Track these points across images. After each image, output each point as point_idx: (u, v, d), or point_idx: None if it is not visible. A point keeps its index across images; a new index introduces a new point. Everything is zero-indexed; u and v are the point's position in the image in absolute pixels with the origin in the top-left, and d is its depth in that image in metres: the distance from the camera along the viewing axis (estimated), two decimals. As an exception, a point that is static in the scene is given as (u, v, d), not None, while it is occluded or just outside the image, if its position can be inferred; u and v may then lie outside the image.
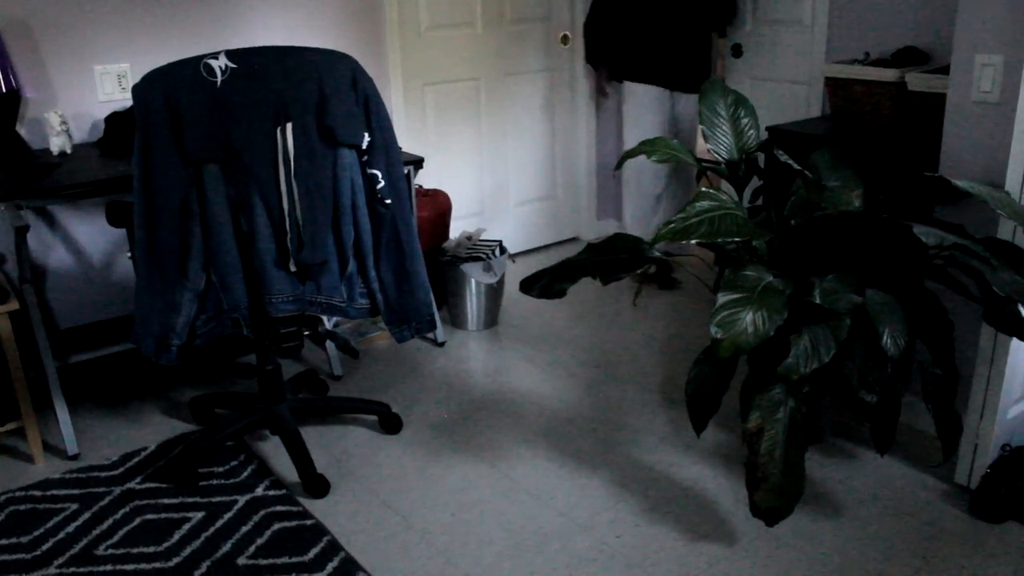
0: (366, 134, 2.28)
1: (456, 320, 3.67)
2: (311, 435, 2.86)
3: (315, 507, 2.50)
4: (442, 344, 3.53)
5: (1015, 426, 2.49)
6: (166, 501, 2.53)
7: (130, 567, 2.26)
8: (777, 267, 2.26)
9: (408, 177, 2.98)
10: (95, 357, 2.91)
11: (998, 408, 2.39)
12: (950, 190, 2.22)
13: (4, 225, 2.82)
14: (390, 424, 2.88)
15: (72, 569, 2.26)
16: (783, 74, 3.78)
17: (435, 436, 2.85)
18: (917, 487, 2.50)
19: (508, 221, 4.42)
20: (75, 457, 2.76)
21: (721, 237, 2.11)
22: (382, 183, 2.33)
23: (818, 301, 2.12)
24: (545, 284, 2.47)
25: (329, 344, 3.25)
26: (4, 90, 2.81)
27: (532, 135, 4.38)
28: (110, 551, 2.32)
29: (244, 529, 2.40)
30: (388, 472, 2.66)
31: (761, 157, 2.59)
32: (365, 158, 2.31)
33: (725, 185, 3.36)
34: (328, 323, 3.36)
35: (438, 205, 3.73)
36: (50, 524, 2.44)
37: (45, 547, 2.34)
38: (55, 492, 2.58)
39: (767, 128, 3.18)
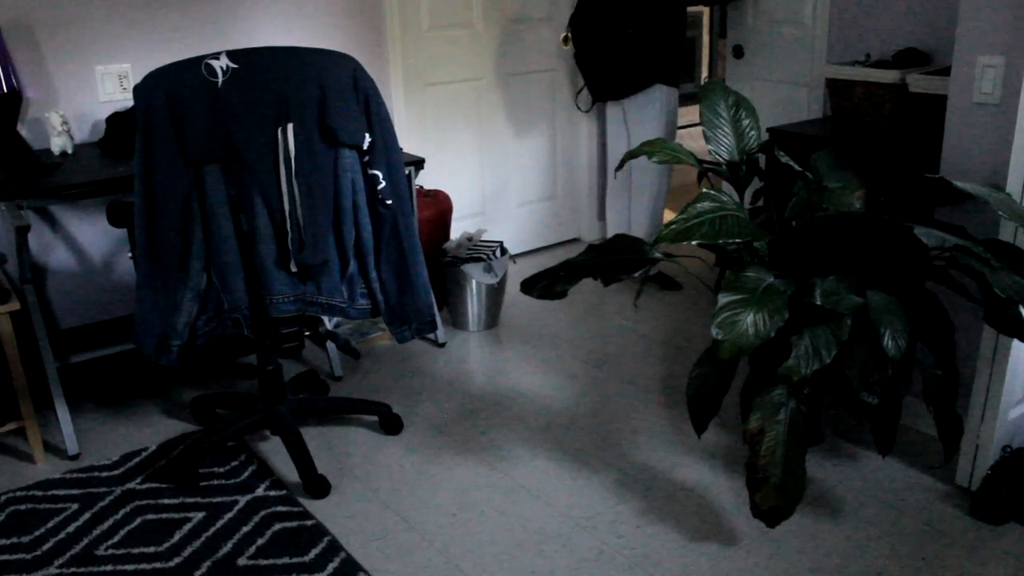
0: (367, 134, 2.28)
1: (457, 321, 3.67)
2: (312, 435, 2.86)
3: (316, 507, 2.50)
4: (443, 345, 3.53)
5: (1016, 427, 2.49)
6: (167, 501, 2.53)
7: (130, 567, 2.26)
8: (778, 268, 2.26)
9: (409, 177, 2.98)
10: (96, 357, 2.91)
11: (999, 409, 2.39)
12: (951, 191, 2.22)
13: (5, 225, 2.82)
14: (391, 425, 2.88)
15: (72, 569, 2.26)
16: (784, 75, 3.78)
17: (436, 437, 2.85)
18: (918, 488, 2.50)
19: (509, 222, 4.42)
20: (76, 457, 2.76)
21: (722, 238, 2.11)
22: (383, 183, 2.33)
23: (819, 302, 2.12)
24: (546, 285, 2.47)
25: (330, 344, 3.25)
26: (5, 90, 2.81)
27: (533, 136, 4.38)
28: (111, 551, 2.32)
29: (245, 529, 2.40)
30: (389, 472, 2.66)
31: (762, 158, 2.59)
32: (366, 158, 2.31)
33: (726, 186, 3.36)
34: (329, 323, 3.36)
35: (439, 206, 3.73)
36: (51, 524, 2.44)
37: (46, 547, 2.34)
38: (56, 492, 2.58)
39: (768, 129, 3.18)
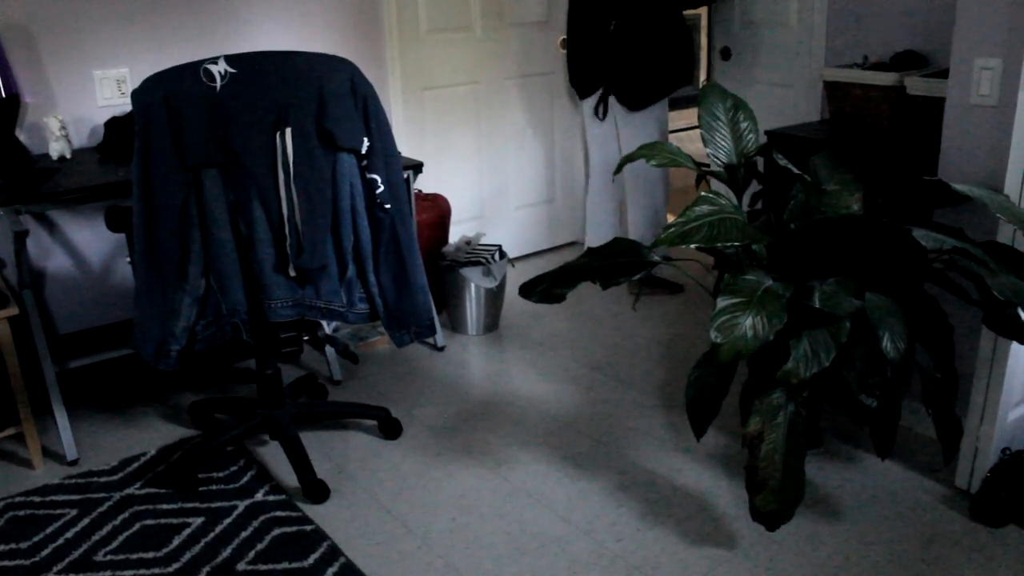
0: (365, 139, 2.28)
1: (456, 324, 3.67)
2: (311, 440, 2.86)
3: (315, 512, 2.49)
4: (442, 349, 3.53)
5: (1015, 430, 2.49)
6: (165, 506, 2.52)
7: (129, 573, 2.26)
8: (777, 271, 2.26)
9: (407, 181, 2.99)
10: (94, 362, 2.91)
11: (998, 412, 2.39)
12: (949, 194, 2.22)
13: (3, 230, 2.82)
14: (390, 429, 2.88)
15: (71, 575, 2.25)
16: (782, 78, 3.78)
17: (435, 441, 2.85)
18: (918, 491, 2.50)
19: (508, 225, 4.42)
20: (74, 463, 2.76)
21: (721, 241, 2.11)
22: (381, 188, 2.33)
23: (818, 305, 2.12)
24: (545, 289, 2.47)
25: (328, 349, 3.25)
26: (4, 95, 2.81)
27: (531, 139, 4.38)
28: (109, 557, 2.32)
29: (244, 534, 2.39)
30: (388, 477, 2.66)
31: (760, 161, 2.59)
32: (364, 163, 2.31)
33: (724, 189, 3.36)
34: (327, 328, 3.36)
35: (437, 209, 3.73)
36: (49, 530, 2.43)
37: (44, 553, 2.34)
38: (54, 498, 2.58)
39: (766, 132, 3.19)
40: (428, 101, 3.96)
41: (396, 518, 2.47)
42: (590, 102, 3.93)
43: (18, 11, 2.93)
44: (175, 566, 2.27)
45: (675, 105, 4.03)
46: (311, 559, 2.29)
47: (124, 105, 3.16)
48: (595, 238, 4.14)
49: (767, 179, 2.63)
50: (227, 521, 2.45)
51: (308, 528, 2.41)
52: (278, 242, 2.27)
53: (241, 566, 2.27)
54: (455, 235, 3.99)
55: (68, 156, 2.95)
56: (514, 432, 2.89)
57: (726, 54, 3.97)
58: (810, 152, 2.60)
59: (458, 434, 2.89)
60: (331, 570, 2.24)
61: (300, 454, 2.60)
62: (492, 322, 3.67)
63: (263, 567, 2.26)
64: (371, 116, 2.28)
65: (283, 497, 2.56)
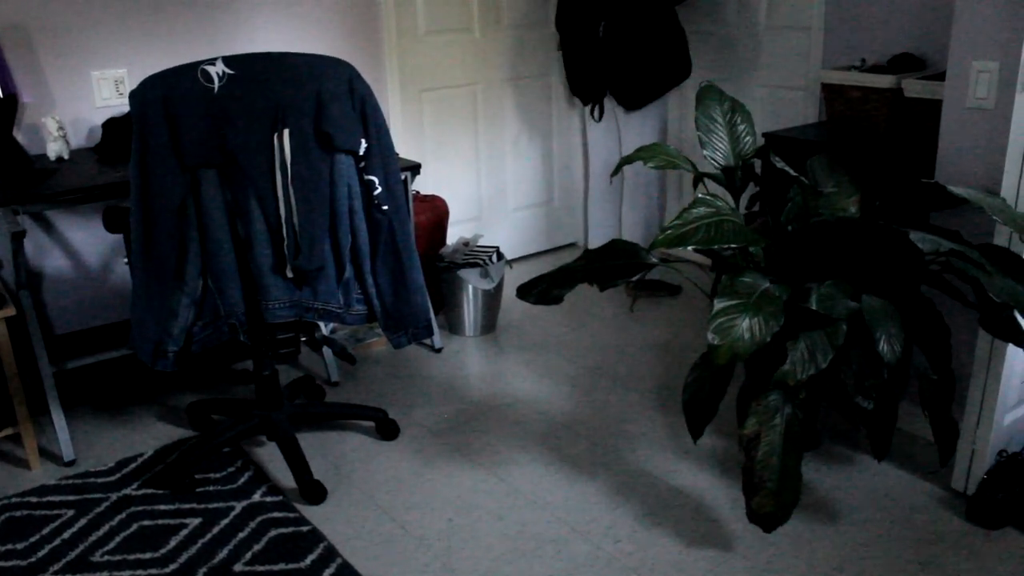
0: (363, 140, 2.28)
1: (453, 326, 3.67)
2: (308, 441, 2.85)
3: (312, 513, 2.49)
4: (439, 350, 3.53)
5: (1012, 432, 2.49)
6: (162, 507, 2.52)
7: (126, 573, 2.26)
8: (774, 273, 2.27)
9: (405, 183, 2.99)
10: (92, 363, 2.91)
11: (995, 414, 2.39)
12: (946, 196, 2.22)
13: (1, 231, 2.82)
14: (387, 430, 2.88)
15: (68, 575, 2.25)
16: (779, 80, 3.79)
17: (432, 442, 2.85)
18: (914, 493, 2.50)
19: (505, 227, 4.42)
20: (71, 463, 2.76)
21: (718, 243, 2.12)
22: (379, 189, 2.33)
23: (815, 307, 2.13)
24: (542, 290, 2.47)
25: (326, 350, 3.25)
26: (1, 95, 2.81)
27: (530, 141, 4.38)
28: (106, 557, 2.32)
29: (241, 535, 2.39)
30: (385, 478, 2.66)
31: (758, 163, 2.60)
32: (362, 164, 2.31)
33: (721, 191, 3.36)
34: (325, 329, 3.36)
35: (435, 211, 3.73)
36: (46, 530, 2.43)
37: (41, 553, 2.34)
38: (51, 498, 2.57)
39: (764, 134, 3.19)
40: (426, 102, 3.96)
41: (393, 519, 2.47)
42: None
43: (16, 11, 2.93)
44: (172, 567, 2.27)
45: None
46: (308, 560, 2.29)
47: (122, 106, 3.16)
48: (597, 240, 4.14)
49: (764, 181, 2.63)
50: (224, 522, 2.45)
51: (305, 529, 2.41)
52: (276, 243, 2.28)
53: (238, 567, 2.27)
54: (453, 236, 3.99)
55: (66, 156, 2.95)
56: (511, 433, 2.89)
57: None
58: (807, 154, 2.60)
59: (455, 435, 2.89)
60: (328, 571, 2.24)
61: (297, 455, 2.60)
62: (490, 324, 3.67)
63: (260, 568, 2.26)
64: (369, 117, 2.28)
65: (280, 498, 2.56)
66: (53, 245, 3.15)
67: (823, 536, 2.34)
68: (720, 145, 2.54)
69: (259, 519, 2.46)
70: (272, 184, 2.22)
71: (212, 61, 2.16)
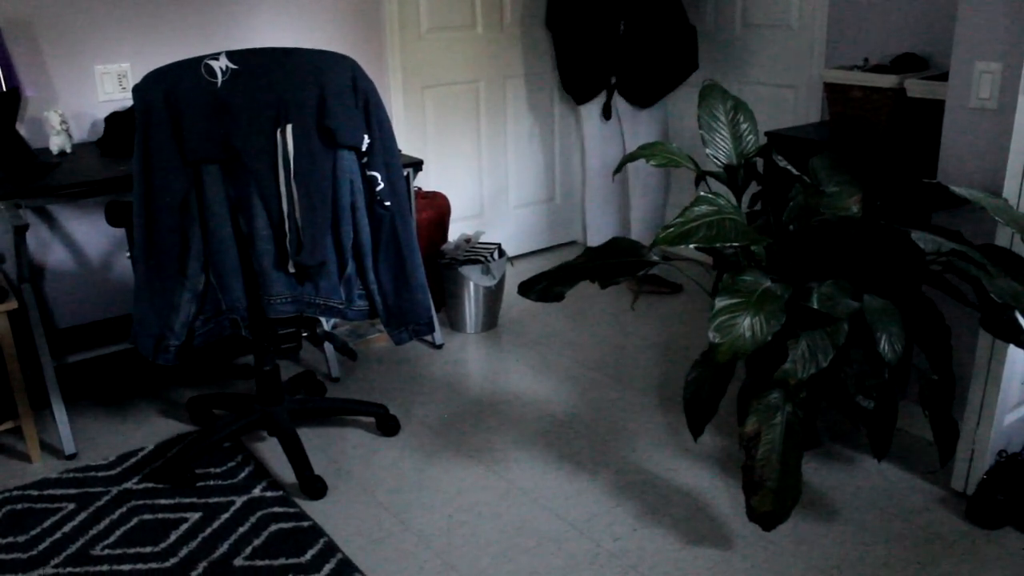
0: (366, 136, 2.28)
1: (454, 323, 3.67)
2: (308, 436, 2.86)
3: (312, 508, 2.50)
4: (440, 346, 3.53)
5: (1012, 432, 2.49)
6: (163, 501, 2.53)
7: (127, 567, 2.26)
8: (775, 272, 2.27)
9: (407, 179, 2.99)
10: (93, 357, 2.91)
11: (995, 414, 2.39)
12: (948, 196, 2.23)
13: (3, 224, 2.82)
14: (387, 426, 2.88)
15: (69, 569, 2.25)
16: (782, 79, 3.79)
17: (433, 438, 2.86)
18: (914, 493, 2.51)
19: (507, 224, 4.42)
20: (72, 457, 2.76)
21: (720, 242, 2.12)
22: (381, 185, 2.33)
23: (816, 306, 2.13)
24: (544, 287, 2.48)
25: (327, 346, 3.25)
26: (4, 89, 2.81)
27: (531, 138, 4.38)
28: (107, 551, 2.32)
29: (241, 530, 2.40)
30: (385, 474, 2.67)
31: (760, 162, 2.60)
32: (365, 160, 2.31)
33: (723, 189, 3.36)
34: (326, 324, 3.36)
35: (437, 207, 3.73)
36: (47, 524, 2.44)
37: (42, 547, 2.34)
38: (52, 492, 2.58)
39: (766, 133, 3.19)
40: (429, 99, 3.96)
41: (393, 515, 2.47)
42: (590, 106, 3.94)
43: (20, 5, 2.93)
44: (172, 561, 2.28)
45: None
46: (308, 555, 2.29)
47: (125, 100, 3.17)
48: (596, 239, 4.14)
49: (766, 180, 2.63)
50: (224, 516, 2.46)
51: (305, 524, 2.41)
52: (278, 239, 2.28)
53: (238, 561, 2.27)
54: (454, 233, 3.99)
55: (68, 150, 2.95)
56: (512, 430, 2.89)
57: None
58: (810, 153, 2.60)
59: (456, 432, 2.89)
60: (328, 566, 2.25)
61: (298, 450, 2.60)
62: (491, 320, 3.68)
63: (260, 563, 2.27)
64: (372, 113, 2.28)
65: (280, 493, 2.56)
66: (55, 239, 3.15)
67: (823, 535, 2.34)
68: (722, 144, 2.54)
69: (259, 514, 2.46)
70: (275, 179, 2.23)
71: (216, 56, 2.17)
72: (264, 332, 2.56)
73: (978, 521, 2.35)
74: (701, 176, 2.61)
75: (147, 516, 2.46)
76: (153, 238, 2.24)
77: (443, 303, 3.69)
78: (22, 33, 2.96)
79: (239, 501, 2.52)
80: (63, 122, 2.93)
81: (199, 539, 2.36)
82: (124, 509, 2.50)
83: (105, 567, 2.26)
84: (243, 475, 2.65)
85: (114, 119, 3.02)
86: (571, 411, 3.01)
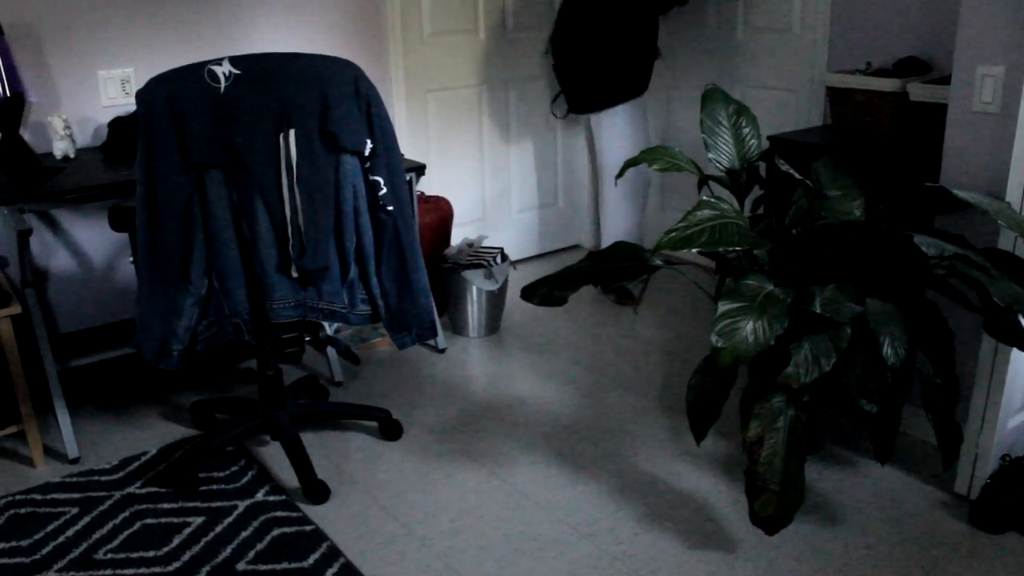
0: (368, 140, 2.28)
1: (457, 327, 3.67)
2: (311, 441, 2.86)
3: (315, 513, 2.50)
4: (443, 351, 3.53)
5: (1015, 436, 2.49)
6: (166, 506, 2.53)
7: (130, 571, 2.26)
8: (778, 276, 2.27)
9: (410, 184, 2.99)
10: (96, 361, 2.91)
11: (998, 418, 2.39)
12: (951, 200, 2.22)
13: (7, 229, 2.83)
14: (390, 430, 2.88)
15: (72, 573, 2.26)
16: (784, 83, 3.79)
17: (435, 442, 2.86)
18: (917, 497, 2.50)
19: (510, 228, 4.42)
20: (75, 461, 2.76)
21: (722, 246, 2.12)
22: (384, 190, 2.34)
23: (819, 310, 2.13)
24: (546, 292, 2.48)
25: (330, 350, 3.25)
26: (8, 94, 2.82)
27: (534, 142, 4.38)
28: (110, 555, 2.32)
29: (244, 534, 2.40)
30: (388, 478, 2.67)
31: (762, 166, 2.60)
32: (367, 164, 2.31)
33: (726, 194, 3.36)
34: (329, 329, 3.36)
35: (440, 212, 3.74)
36: (50, 528, 2.44)
37: (45, 551, 2.34)
38: (55, 496, 2.58)
39: (768, 137, 3.19)
40: (431, 103, 3.97)
41: (396, 519, 2.47)
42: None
43: (24, 11, 2.94)
44: (175, 565, 2.28)
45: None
46: (311, 559, 2.29)
47: (128, 105, 3.17)
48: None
49: (769, 184, 2.63)
50: (227, 521, 2.46)
51: (308, 528, 2.42)
52: (281, 243, 2.28)
53: (241, 566, 2.27)
54: (457, 237, 4.00)
55: (72, 155, 2.96)
56: (514, 434, 2.89)
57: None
58: (812, 157, 2.60)
59: (458, 436, 2.89)
60: (331, 571, 2.25)
61: (301, 455, 2.61)
62: (493, 325, 3.68)
63: (263, 567, 2.27)
64: (374, 118, 2.29)
65: (283, 497, 2.56)
66: (59, 244, 3.16)
67: (826, 539, 2.34)
68: (725, 148, 2.54)
69: (262, 518, 2.46)
70: (277, 184, 2.23)
71: (218, 61, 2.17)
72: (267, 336, 2.57)
73: (981, 525, 2.35)
74: (704, 180, 2.61)
75: (150, 520, 2.47)
76: (156, 243, 2.25)
77: (446, 307, 3.69)
78: (26, 38, 2.96)
79: (242, 505, 2.52)
80: (67, 127, 2.94)
81: (202, 543, 2.36)
82: (127, 513, 2.50)
83: (108, 571, 2.26)
84: (246, 479, 2.65)
85: (117, 124, 3.02)
86: (574, 415, 3.01)
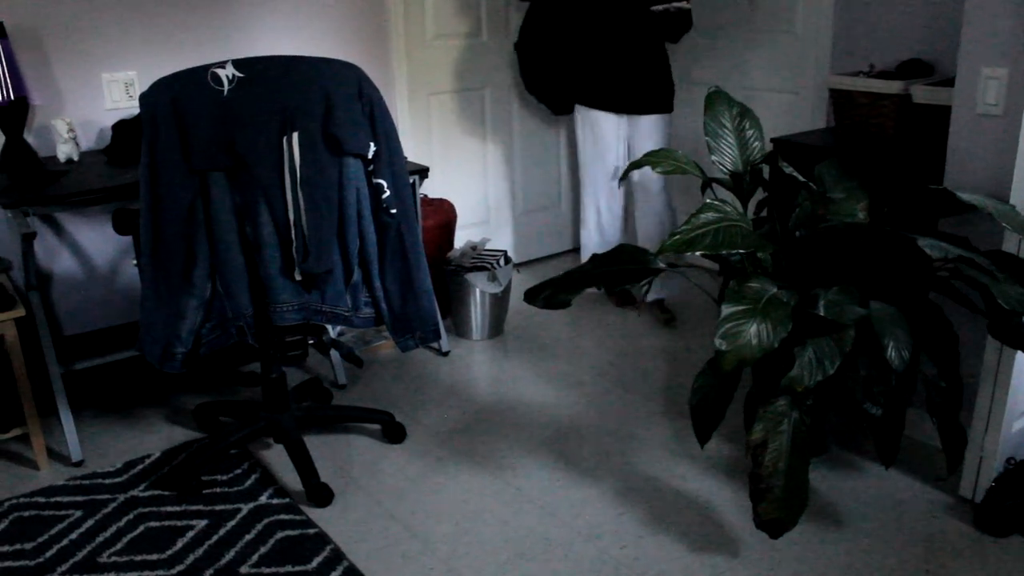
0: (372, 143, 2.28)
1: (460, 330, 3.67)
2: (315, 444, 2.86)
3: (318, 516, 2.50)
4: (446, 353, 3.53)
5: (1020, 439, 2.48)
6: (169, 509, 2.53)
7: (133, 574, 2.26)
8: (782, 279, 2.27)
9: (413, 186, 2.99)
10: (100, 364, 2.91)
11: (1003, 421, 2.38)
12: (955, 203, 2.22)
13: (11, 232, 2.83)
14: (394, 433, 2.88)
15: (75, 576, 2.26)
16: (787, 85, 3.78)
17: (439, 445, 2.85)
18: (921, 500, 2.50)
19: (513, 231, 4.42)
20: (79, 464, 2.76)
21: (726, 249, 2.12)
22: (387, 192, 2.34)
23: (822, 313, 2.12)
24: (550, 294, 2.48)
25: (333, 353, 3.25)
26: (12, 97, 2.82)
27: (537, 144, 4.38)
28: (113, 558, 2.32)
29: (247, 537, 2.40)
30: (391, 481, 2.66)
31: (766, 169, 2.60)
32: (371, 167, 2.31)
33: (729, 196, 3.36)
34: (332, 332, 3.36)
35: (443, 214, 3.74)
36: (54, 531, 2.44)
37: (49, 554, 2.34)
38: (59, 499, 2.58)
39: (772, 140, 3.19)
40: (434, 106, 3.97)
41: (399, 522, 2.47)
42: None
43: (27, 14, 2.95)
44: (178, 568, 2.28)
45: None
46: (314, 563, 2.29)
47: (132, 108, 3.18)
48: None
49: (772, 187, 2.63)
50: (231, 524, 2.46)
51: (311, 532, 2.41)
52: (284, 246, 2.28)
53: (244, 569, 2.27)
54: (460, 240, 3.99)
55: (76, 158, 2.97)
56: (518, 437, 2.89)
57: None
58: (816, 160, 2.60)
59: (462, 439, 2.89)
60: (334, 574, 2.25)
61: (304, 458, 2.61)
62: (497, 327, 3.68)
63: (266, 570, 2.27)
64: (378, 121, 2.29)
65: (287, 500, 2.56)
66: (62, 246, 3.16)
67: (830, 543, 2.33)
68: (728, 150, 2.54)
69: (266, 521, 2.46)
70: (281, 187, 2.23)
71: (222, 64, 2.17)
72: (270, 339, 2.57)
73: (986, 528, 2.34)
74: (707, 183, 2.60)
75: (153, 523, 2.47)
76: (160, 246, 2.25)
77: (449, 310, 3.69)
78: (30, 42, 2.97)
79: (245, 508, 2.52)
80: (70, 130, 2.94)
81: (205, 546, 2.36)
82: (131, 516, 2.50)
83: (112, 574, 2.26)
84: (249, 482, 2.65)
85: (121, 127, 3.03)
86: (577, 418, 3.01)
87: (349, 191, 2.28)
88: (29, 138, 3.00)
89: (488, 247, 3.81)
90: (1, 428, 2.74)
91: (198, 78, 2.16)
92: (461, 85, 4.03)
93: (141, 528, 2.45)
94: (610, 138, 3.74)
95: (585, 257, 3.81)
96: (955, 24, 2.96)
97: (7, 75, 2.81)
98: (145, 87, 2.21)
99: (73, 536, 2.42)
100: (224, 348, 2.42)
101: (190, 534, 2.42)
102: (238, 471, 2.71)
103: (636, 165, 2.56)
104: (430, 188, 3.95)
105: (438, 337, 2.58)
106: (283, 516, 2.48)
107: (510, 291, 3.69)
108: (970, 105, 2.38)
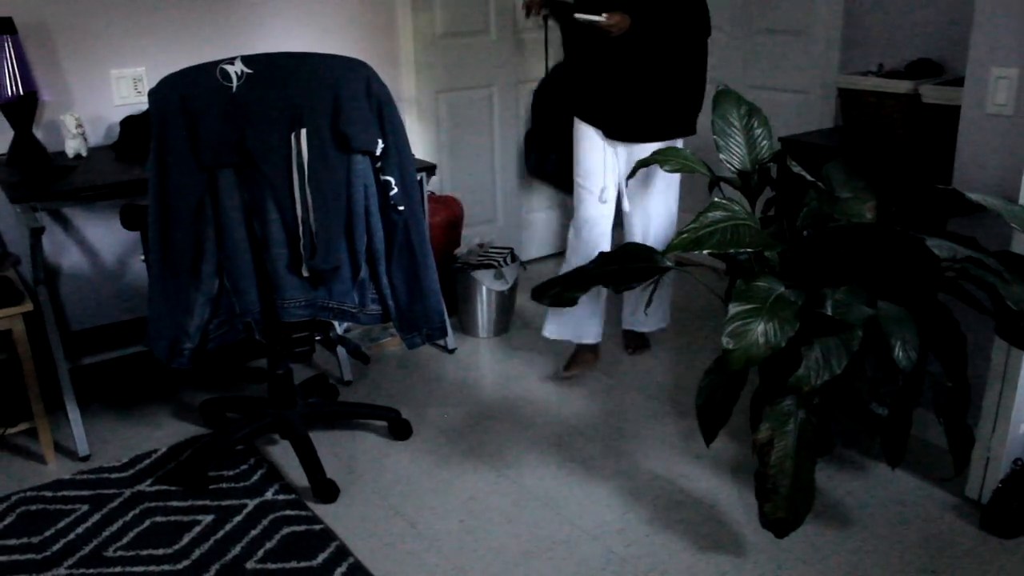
0: (380, 141, 2.29)
1: (467, 327, 3.67)
2: (321, 440, 2.86)
3: (324, 512, 2.50)
4: (452, 351, 3.53)
5: (1027, 440, 2.48)
6: (176, 504, 2.54)
7: (139, 569, 2.27)
8: (789, 278, 2.26)
9: (421, 184, 2.99)
10: (107, 359, 2.92)
11: (1010, 422, 2.38)
12: (963, 203, 2.21)
13: (19, 227, 2.84)
14: (400, 430, 2.89)
15: (82, 570, 2.27)
16: (796, 85, 3.78)
17: (444, 442, 2.86)
18: (928, 501, 2.49)
19: (520, 228, 4.42)
20: (86, 458, 2.77)
21: (733, 248, 2.11)
22: (395, 189, 2.34)
23: (830, 313, 2.12)
24: (557, 292, 2.48)
25: (340, 349, 3.26)
26: (21, 93, 2.83)
27: (544, 143, 4.38)
28: (119, 553, 2.33)
29: (253, 533, 2.40)
30: (397, 478, 2.67)
31: (774, 168, 2.59)
32: (379, 164, 2.31)
33: (737, 195, 3.35)
34: (339, 328, 3.36)
35: (450, 212, 3.74)
36: (60, 525, 2.45)
37: (55, 548, 2.35)
38: (66, 493, 2.59)
39: (780, 139, 3.18)
40: (442, 104, 3.97)
41: (405, 519, 2.47)
42: None
43: (37, 10, 2.96)
44: (184, 563, 2.29)
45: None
46: (320, 558, 2.29)
47: (140, 104, 3.18)
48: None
49: (780, 186, 2.62)
50: (237, 519, 2.46)
51: (317, 528, 2.42)
52: (292, 242, 2.28)
53: (250, 564, 2.28)
54: (467, 238, 3.99)
55: (84, 154, 2.97)
56: (524, 435, 2.89)
57: None
58: (824, 159, 2.59)
59: (468, 436, 2.89)
60: (339, 570, 2.25)
61: (310, 454, 2.61)
62: (503, 325, 3.68)
63: (272, 566, 2.27)
64: (386, 118, 2.29)
65: (293, 496, 2.56)
66: (71, 242, 3.17)
67: (835, 542, 2.33)
68: (736, 149, 2.54)
69: (271, 517, 2.47)
70: (289, 184, 2.23)
71: (231, 60, 2.18)
72: (277, 336, 2.57)
73: (993, 530, 2.34)
74: (715, 182, 2.60)
75: (160, 518, 2.47)
76: (168, 241, 2.25)
77: (456, 307, 3.69)
78: (39, 37, 2.98)
79: (251, 504, 2.53)
80: (79, 126, 2.95)
81: (211, 541, 2.37)
82: (137, 511, 2.51)
83: (118, 569, 2.27)
84: (256, 478, 2.66)
85: (129, 123, 3.03)
86: (583, 416, 3.01)
87: (357, 188, 2.28)
88: (38, 133, 3.01)
89: (495, 244, 3.81)
90: (8, 422, 2.75)
91: (207, 74, 2.17)
92: (469, 83, 4.03)
93: (147, 523, 2.45)
94: (597, 163, 3.37)
95: (568, 267, 3.35)
96: (965, 24, 2.96)
97: (16, 70, 2.82)
98: (154, 83, 2.21)
99: (79, 530, 2.42)
100: (231, 344, 2.42)
101: (196, 529, 2.42)
102: (244, 467, 2.72)
103: (645, 163, 2.56)
104: (437, 185, 3.96)
105: (445, 334, 2.59)
106: (289, 512, 2.49)
107: (517, 289, 3.69)
108: (979, 105, 2.38)
